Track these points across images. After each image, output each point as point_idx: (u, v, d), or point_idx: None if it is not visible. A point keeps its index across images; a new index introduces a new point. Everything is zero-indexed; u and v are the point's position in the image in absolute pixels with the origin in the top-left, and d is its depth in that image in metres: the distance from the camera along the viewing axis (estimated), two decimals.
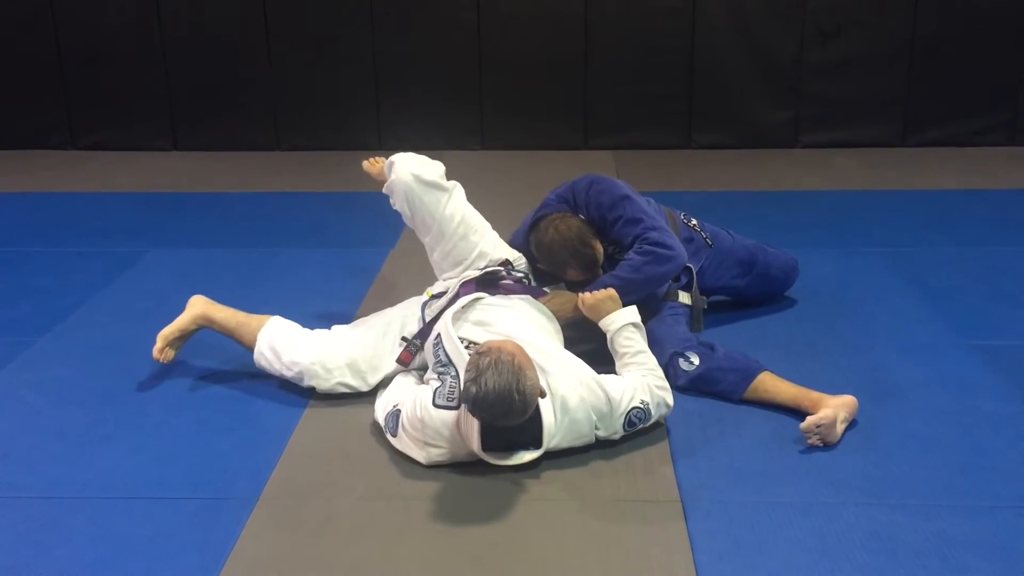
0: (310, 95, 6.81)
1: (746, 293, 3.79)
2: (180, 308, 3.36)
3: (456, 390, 2.68)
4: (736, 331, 3.63)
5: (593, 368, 2.85)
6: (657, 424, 2.95)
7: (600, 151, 6.70)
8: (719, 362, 3.14)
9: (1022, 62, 6.47)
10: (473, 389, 2.48)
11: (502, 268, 3.30)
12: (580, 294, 3.16)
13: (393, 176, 3.29)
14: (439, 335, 2.91)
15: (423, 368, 3.08)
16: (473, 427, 2.60)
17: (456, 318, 2.97)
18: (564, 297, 3.30)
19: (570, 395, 2.71)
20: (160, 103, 6.84)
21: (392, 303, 3.43)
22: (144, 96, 6.82)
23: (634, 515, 2.54)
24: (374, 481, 2.72)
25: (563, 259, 3.39)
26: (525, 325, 2.98)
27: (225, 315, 3.29)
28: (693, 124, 6.74)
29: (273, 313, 3.34)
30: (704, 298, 3.55)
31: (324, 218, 5.30)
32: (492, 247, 3.33)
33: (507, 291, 3.17)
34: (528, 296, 3.19)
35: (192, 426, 3.04)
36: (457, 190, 3.32)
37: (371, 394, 3.13)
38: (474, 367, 2.51)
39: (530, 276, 3.42)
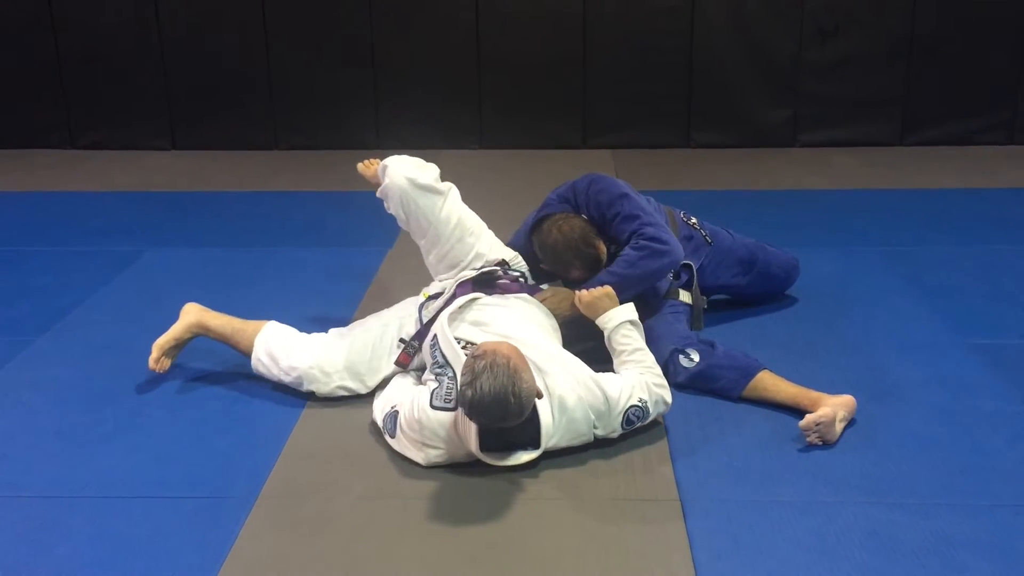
0: (309, 94, 6.81)
1: (747, 292, 3.79)
2: (179, 307, 3.36)
3: (453, 391, 2.67)
4: (735, 330, 3.63)
5: (591, 366, 2.85)
6: (656, 423, 2.95)
7: (599, 150, 6.70)
8: (719, 359, 3.14)
9: (1020, 61, 6.48)
10: (469, 393, 2.48)
11: (498, 268, 3.29)
12: (577, 292, 3.16)
13: (387, 180, 3.27)
14: (436, 336, 2.91)
15: (422, 368, 3.07)
16: (471, 428, 2.60)
17: (452, 319, 2.97)
18: (561, 295, 3.29)
19: (568, 395, 2.71)
20: (159, 102, 6.84)
21: (390, 303, 3.43)
22: (143, 96, 6.82)
23: (633, 514, 2.54)
24: (372, 480, 2.72)
25: (567, 260, 3.39)
26: (522, 324, 2.98)
27: (220, 322, 3.28)
28: (692, 123, 6.74)
29: (272, 314, 3.34)
30: (704, 298, 3.55)
31: (322, 217, 5.30)
32: (488, 248, 3.32)
33: (504, 290, 3.17)
34: (525, 294, 3.19)
35: (191, 425, 3.04)
36: (452, 192, 3.31)
37: (369, 394, 3.13)
38: (469, 371, 2.51)
39: (527, 275, 3.41)
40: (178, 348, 3.30)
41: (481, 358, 2.51)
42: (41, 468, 2.81)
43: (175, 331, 3.26)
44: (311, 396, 3.15)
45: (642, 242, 3.26)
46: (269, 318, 3.34)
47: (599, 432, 2.80)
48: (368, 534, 2.48)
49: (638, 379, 2.85)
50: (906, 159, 6.35)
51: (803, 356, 3.41)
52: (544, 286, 3.43)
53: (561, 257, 3.39)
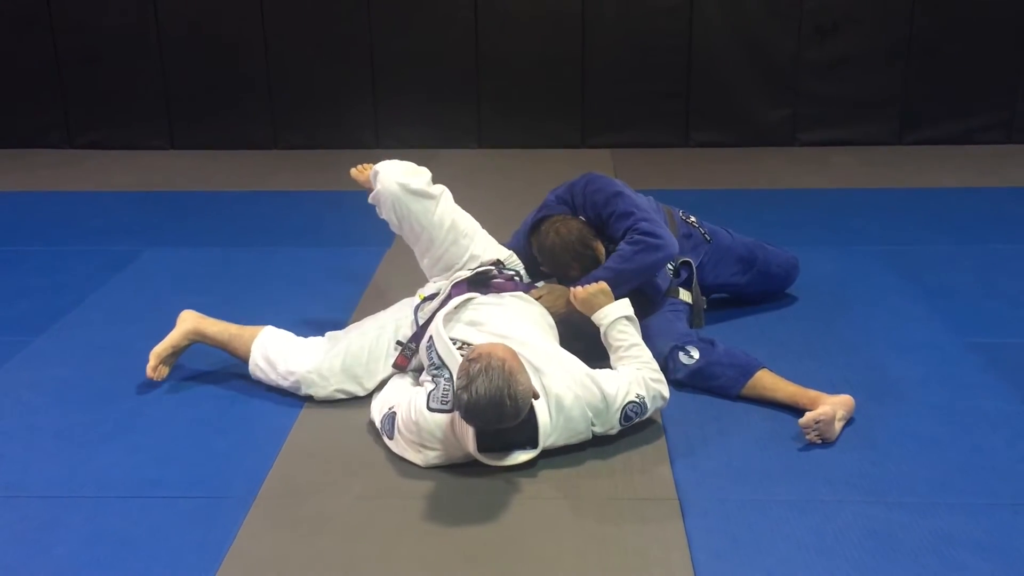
0: (308, 94, 6.80)
1: (746, 291, 3.79)
2: (177, 307, 3.36)
3: (450, 392, 2.66)
4: (734, 329, 3.63)
5: (588, 363, 2.84)
6: (654, 422, 2.95)
7: (598, 150, 6.70)
8: (719, 357, 3.14)
9: (1019, 60, 6.48)
10: (464, 397, 2.47)
11: (493, 267, 3.28)
12: (572, 288, 3.15)
13: (379, 186, 3.25)
14: (431, 338, 2.91)
15: (420, 368, 3.06)
16: (468, 429, 2.60)
17: (448, 319, 2.96)
18: (557, 292, 3.30)
19: (565, 394, 2.71)
20: (157, 102, 6.83)
21: (389, 303, 3.42)
22: (141, 95, 6.81)
23: (632, 514, 2.54)
24: (371, 480, 2.72)
25: (565, 262, 3.39)
26: (518, 322, 2.97)
27: (217, 328, 3.28)
28: (691, 122, 6.74)
29: (270, 314, 3.33)
30: (704, 299, 3.55)
31: (321, 217, 5.29)
32: (482, 249, 3.30)
33: (499, 289, 3.16)
34: (520, 292, 3.18)
35: (189, 425, 3.03)
36: (445, 195, 3.29)
37: (368, 394, 3.13)
38: (464, 374, 2.50)
39: (522, 273, 3.40)
40: (175, 356, 3.30)
41: (476, 361, 2.51)
42: (40, 468, 2.81)
43: (172, 339, 3.26)
44: (309, 398, 3.15)
45: (637, 236, 3.26)
46: (268, 318, 3.34)
47: (597, 430, 2.79)
48: (367, 534, 2.48)
49: (635, 375, 2.84)
50: (905, 158, 6.35)
51: (802, 355, 3.41)
52: (540, 283, 3.43)
53: (559, 259, 3.39)
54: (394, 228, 3.35)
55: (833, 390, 2.99)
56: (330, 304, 3.95)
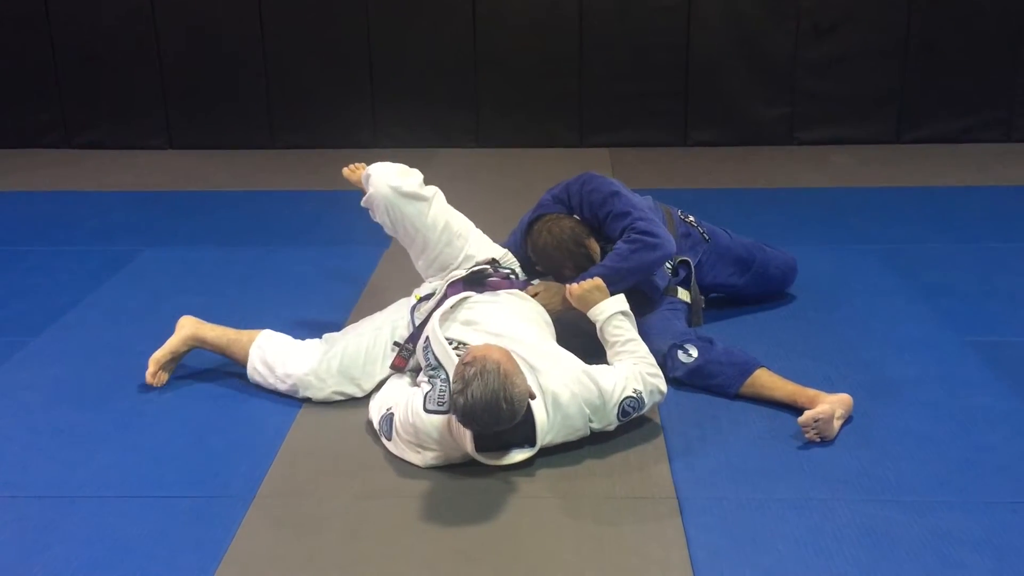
0: (305, 93, 6.80)
1: (744, 292, 3.79)
2: (176, 307, 3.36)
3: (446, 393, 2.66)
4: (732, 327, 3.63)
5: (585, 360, 2.84)
6: (652, 421, 2.95)
7: (596, 149, 6.70)
8: (717, 355, 3.14)
9: (1017, 59, 6.48)
10: (460, 400, 2.47)
11: (488, 266, 3.27)
12: (568, 285, 3.15)
13: (372, 190, 3.25)
14: (428, 338, 2.91)
15: (418, 368, 3.06)
16: (465, 430, 2.60)
17: (444, 319, 2.96)
18: (552, 290, 3.30)
19: (561, 391, 2.70)
20: (155, 101, 6.83)
21: (386, 303, 3.42)
22: (139, 94, 6.82)
23: (630, 512, 2.54)
24: (369, 480, 2.72)
25: (559, 261, 3.40)
26: (514, 321, 2.97)
27: (216, 333, 3.28)
28: (689, 121, 6.74)
29: (268, 313, 3.34)
30: (702, 297, 3.55)
31: (319, 216, 5.29)
32: (477, 249, 3.29)
33: (494, 288, 3.16)
34: (516, 290, 3.18)
35: (187, 425, 3.03)
36: (437, 197, 3.28)
37: (366, 396, 3.13)
38: (460, 378, 2.50)
39: (517, 272, 3.39)
40: (175, 361, 3.30)
41: (471, 365, 2.50)
42: (38, 468, 2.80)
43: (171, 345, 3.26)
44: (308, 399, 3.15)
45: (634, 235, 3.27)
46: (265, 318, 3.34)
47: (595, 425, 2.79)
48: (365, 533, 2.48)
49: (632, 370, 2.84)
50: (903, 157, 6.36)
51: (800, 354, 3.41)
52: (535, 281, 3.43)
53: (552, 258, 3.39)
54: (388, 231, 3.36)
55: (831, 388, 3.00)
56: (328, 304, 3.95)
